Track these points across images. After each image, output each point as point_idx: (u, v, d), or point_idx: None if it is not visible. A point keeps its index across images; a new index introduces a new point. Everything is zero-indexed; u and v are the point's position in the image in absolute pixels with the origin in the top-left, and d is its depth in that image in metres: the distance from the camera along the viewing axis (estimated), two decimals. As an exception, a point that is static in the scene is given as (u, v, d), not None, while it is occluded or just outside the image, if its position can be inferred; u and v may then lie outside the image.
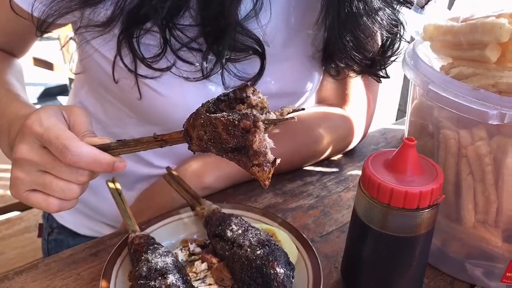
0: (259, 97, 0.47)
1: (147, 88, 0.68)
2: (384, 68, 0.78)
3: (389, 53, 0.75)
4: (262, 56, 0.68)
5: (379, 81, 0.81)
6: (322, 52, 0.76)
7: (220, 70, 0.66)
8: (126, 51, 0.64)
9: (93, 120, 0.80)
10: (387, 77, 0.79)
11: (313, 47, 0.76)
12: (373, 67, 0.76)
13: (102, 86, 0.75)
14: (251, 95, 0.47)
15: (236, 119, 0.44)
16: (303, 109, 0.49)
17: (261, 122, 0.44)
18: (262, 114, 0.47)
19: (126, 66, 0.65)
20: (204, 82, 0.69)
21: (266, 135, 0.45)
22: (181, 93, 0.69)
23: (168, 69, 0.65)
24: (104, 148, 0.53)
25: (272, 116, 0.47)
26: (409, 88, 0.66)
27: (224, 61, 0.65)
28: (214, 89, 0.71)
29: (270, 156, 0.44)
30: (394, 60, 0.77)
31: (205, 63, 0.65)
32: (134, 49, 0.63)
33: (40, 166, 0.52)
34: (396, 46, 0.75)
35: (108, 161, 0.52)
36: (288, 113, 0.47)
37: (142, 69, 0.65)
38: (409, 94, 0.66)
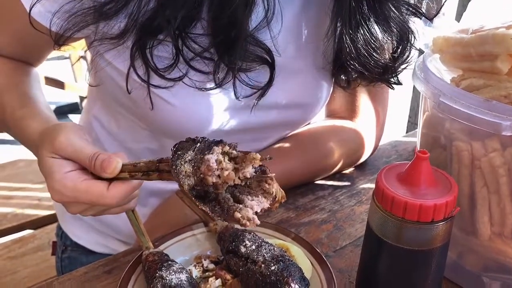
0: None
1: (159, 99, 0.68)
2: (396, 76, 0.78)
3: (400, 61, 0.76)
4: (271, 66, 0.68)
5: (392, 88, 0.81)
6: (332, 63, 0.77)
7: (232, 80, 0.67)
8: (139, 62, 0.65)
9: (108, 136, 0.81)
10: (400, 83, 0.79)
11: (324, 58, 0.76)
12: (385, 74, 0.76)
13: (114, 100, 0.76)
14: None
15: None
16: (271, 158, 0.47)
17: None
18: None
19: (139, 76, 0.66)
20: (216, 93, 0.69)
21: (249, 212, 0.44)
22: (193, 104, 0.70)
23: (180, 79, 0.66)
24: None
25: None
26: (419, 100, 0.66)
27: (235, 70, 0.66)
28: (225, 99, 0.72)
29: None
30: (405, 68, 0.77)
31: (217, 72, 0.66)
32: (147, 59, 0.64)
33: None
34: (407, 54, 0.75)
35: (138, 185, 0.57)
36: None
37: (155, 80, 0.66)
38: (420, 107, 0.65)
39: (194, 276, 0.61)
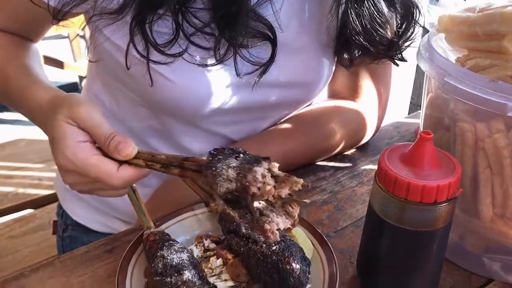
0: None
1: (158, 75, 0.68)
2: (400, 52, 0.77)
3: (405, 38, 0.75)
4: (273, 42, 0.67)
5: (396, 65, 0.80)
6: (335, 40, 0.76)
7: (233, 56, 0.66)
8: (138, 38, 0.64)
9: (109, 115, 0.80)
10: (404, 60, 0.78)
11: (327, 35, 0.75)
12: (390, 50, 0.75)
13: (114, 77, 0.75)
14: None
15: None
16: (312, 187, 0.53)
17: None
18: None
19: (138, 52, 0.65)
20: (216, 69, 0.69)
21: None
22: (193, 80, 0.69)
23: (180, 55, 0.65)
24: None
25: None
26: (421, 81, 0.65)
27: (236, 46, 0.65)
28: (226, 76, 0.71)
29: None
30: (409, 45, 0.76)
31: (218, 48, 0.65)
32: (146, 35, 0.63)
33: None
34: (412, 30, 0.74)
35: (146, 174, 0.57)
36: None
37: (154, 56, 0.65)
38: (424, 87, 0.65)
39: (195, 256, 0.61)
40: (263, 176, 0.46)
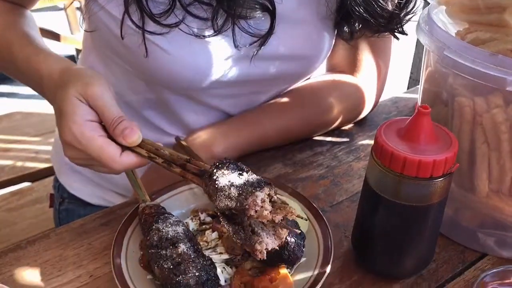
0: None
1: (154, 46, 0.66)
2: (401, 26, 0.76)
3: (406, 10, 0.74)
4: (272, 14, 0.66)
5: (397, 38, 0.79)
6: (336, 13, 0.74)
7: (231, 26, 0.65)
8: (134, 7, 0.62)
9: None
10: (405, 34, 0.77)
11: (327, 7, 0.74)
12: (390, 23, 0.74)
13: (109, 48, 0.74)
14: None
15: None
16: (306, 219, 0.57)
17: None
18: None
19: (134, 22, 0.64)
20: (214, 41, 0.67)
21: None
22: (190, 52, 0.68)
23: (177, 25, 0.64)
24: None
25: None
26: (421, 56, 0.64)
27: (235, 17, 0.64)
28: (224, 48, 0.69)
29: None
30: (410, 18, 0.75)
31: (215, 18, 0.64)
32: (142, 4, 0.62)
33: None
34: (413, 2, 0.73)
35: (146, 164, 0.58)
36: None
37: (150, 26, 0.64)
38: (423, 61, 0.64)
39: (190, 229, 0.61)
40: (263, 201, 0.48)
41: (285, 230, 0.51)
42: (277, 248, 0.50)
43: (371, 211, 0.57)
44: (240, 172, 0.52)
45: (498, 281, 0.46)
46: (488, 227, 0.62)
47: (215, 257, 0.57)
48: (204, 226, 0.62)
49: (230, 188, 0.50)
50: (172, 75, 0.69)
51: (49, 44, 0.72)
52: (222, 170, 0.52)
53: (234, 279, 0.55)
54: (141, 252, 0.58)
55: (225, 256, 0.58)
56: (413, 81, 1.59)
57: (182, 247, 0.53)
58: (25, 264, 0.60)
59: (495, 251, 0.62)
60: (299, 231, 0.55)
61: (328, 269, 0.54)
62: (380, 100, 0.92)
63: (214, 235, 0.60)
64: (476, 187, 0.58)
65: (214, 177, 0.51)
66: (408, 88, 1.60)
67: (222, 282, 0.55)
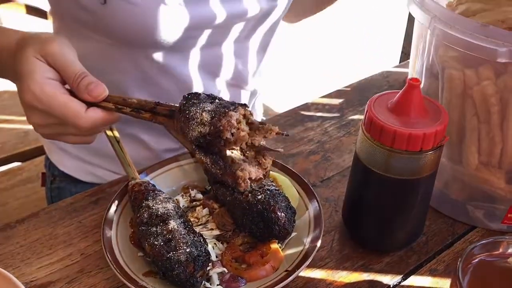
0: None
1: None
2: None
3: None
4: None
5: None
6: None
7: None
8: None
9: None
10: None
11: None
12: None
13: (71, 18, 0.70)
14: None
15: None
16: (287, 134, 0.51)
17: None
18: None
19: None
20: None
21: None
22: (156, 2, 0.64)
23: None
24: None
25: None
26: (413, 28, 0.63)
27: None
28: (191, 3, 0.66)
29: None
30: None
31: None
32: None
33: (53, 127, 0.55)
34: None
35: (116, 119, 0.55)
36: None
37: None
38: (414, 34, 0.63)
39: (181, 206, 0.61)
40: (238, 121, 0.45)
41: (268, 159, 0.48)
42: (262, 177, 0.48)
43: (361, 185, 0.57)
44: (212, 100, 0.49)
45: (486, 252, 0.47)
46: (477, 199, 0.62)
47: (206, 233, 0.57)
48: (194, 203, 0.62)
49: (202, 114, 0.47)
50: (137, 29, 0.66)
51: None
52: (193, 101, 0.49)
53: (225, 255, 0.55)
54: (132, 230, 0.58)
55: (216, 232, 0.58)
56: (404, 56, 1.58)
57: (172, 224, 0.53)
58: (14, 243, 0.59)
59: (484, 224, 0.63)
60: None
61: (318, 243, 0.55)
62: (371, 74, 0.91)
63: (205, 211, 0.60)
64: (465, 160, 0.58)
65: (184, 108, 0.48)
66: (400, 63, 1.59)
67: (213, 258, 0.55)
